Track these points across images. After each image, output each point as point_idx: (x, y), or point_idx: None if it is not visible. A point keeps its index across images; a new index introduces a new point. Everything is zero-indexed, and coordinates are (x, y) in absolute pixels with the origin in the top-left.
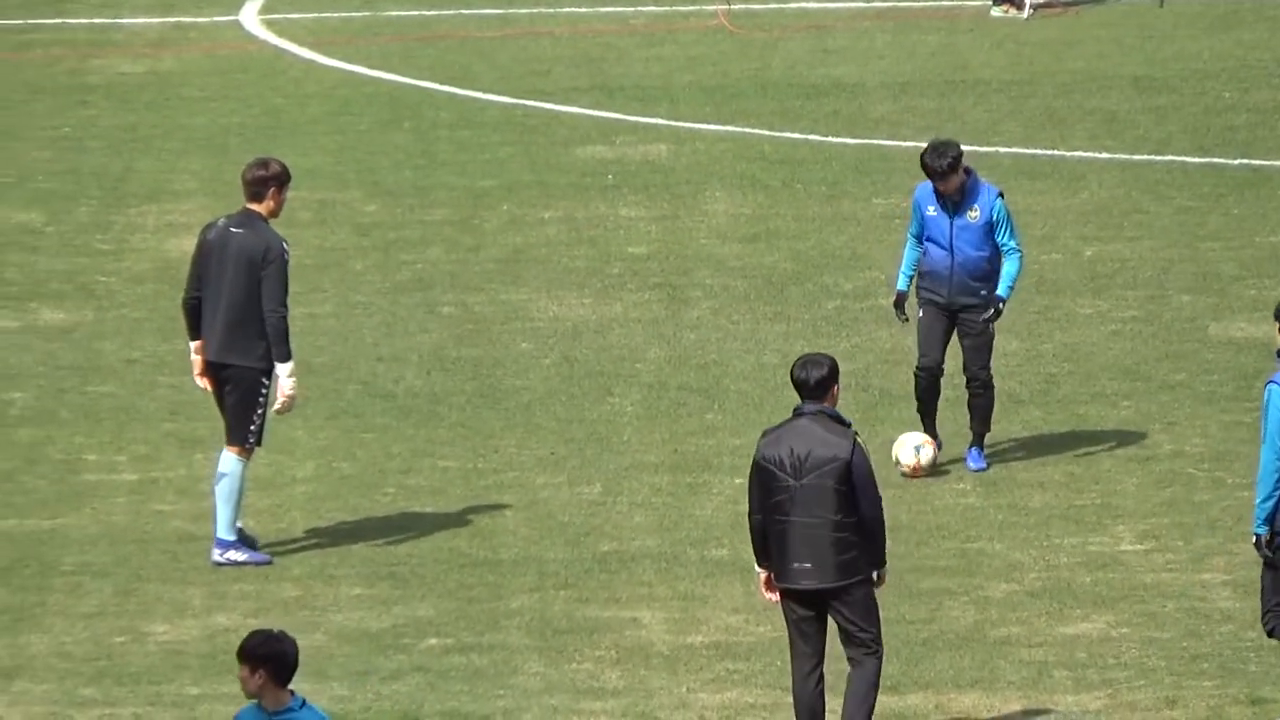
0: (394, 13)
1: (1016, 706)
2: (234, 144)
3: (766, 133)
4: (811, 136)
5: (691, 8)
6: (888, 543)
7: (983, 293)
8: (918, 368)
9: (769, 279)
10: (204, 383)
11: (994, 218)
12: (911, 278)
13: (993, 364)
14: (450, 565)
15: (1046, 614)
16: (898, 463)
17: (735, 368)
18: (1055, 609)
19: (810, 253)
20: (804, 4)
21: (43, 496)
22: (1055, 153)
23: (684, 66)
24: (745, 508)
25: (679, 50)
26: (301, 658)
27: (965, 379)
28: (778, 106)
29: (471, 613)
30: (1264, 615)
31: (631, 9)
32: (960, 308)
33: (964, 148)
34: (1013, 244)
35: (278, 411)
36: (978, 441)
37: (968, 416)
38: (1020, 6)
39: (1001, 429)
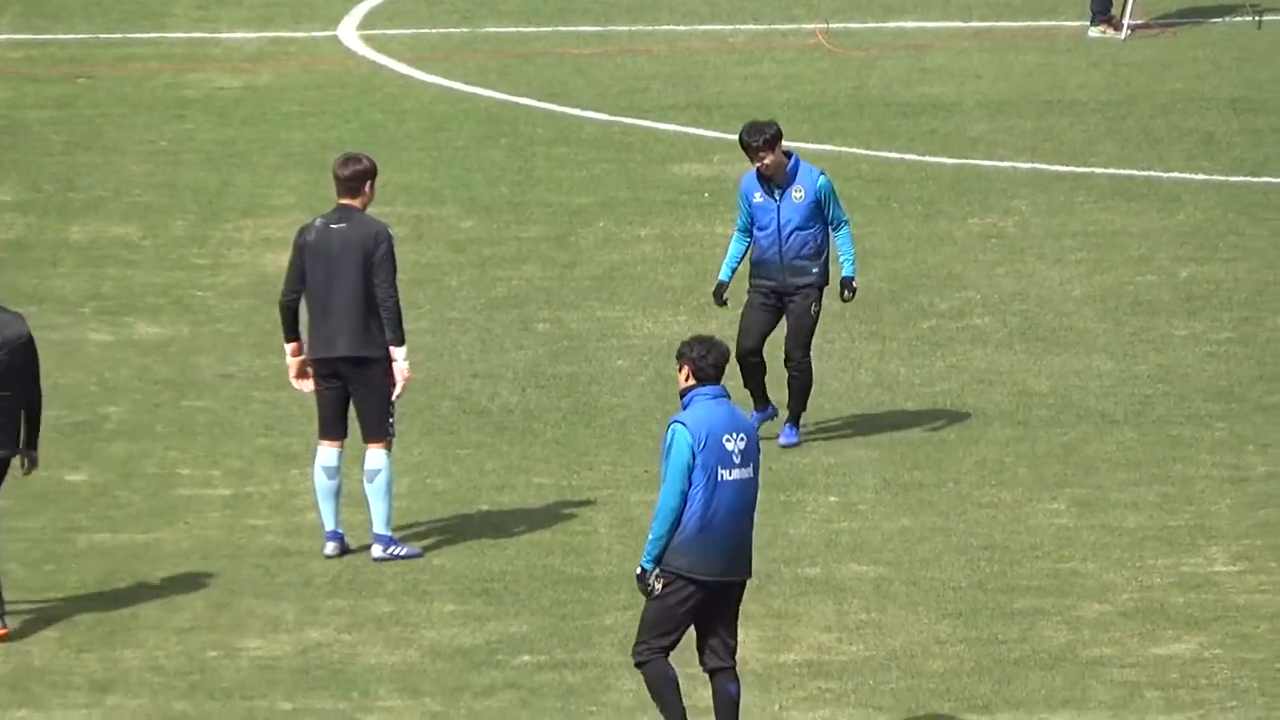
0: (492, 29)
1: None
2: (330, 159)
3: (863, 151)
4: (908, 156)
5: (790, 26)
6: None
7: (814, 270)
8: (737, 354)
9: (864, 298)
10: (303, 384)
11: (820, 195)
12: (734, 270)
13: (813, 347)
14: (544, 582)
15: (1139, 634)
16: None
17: (830, 386)
18: (1148, 629)
19: (906, 272)
20: (901, 23)
21: (137, 510)
22: (1152, 173)
23: (781, 85)
24: (840, 525)
25: (777, 68)
26: (394, 673)
27: (785, 361)
28: (874, 125)
29: (565, 630)
30: (637, 646)
31: (730, 27)
32: (793, 290)
33: (1060, 168)
34: (842, 215)
35: (396, 396)
36: (793, 419)
37: (786, 396)
38: (1118, 27)
39: (1095, 449)
